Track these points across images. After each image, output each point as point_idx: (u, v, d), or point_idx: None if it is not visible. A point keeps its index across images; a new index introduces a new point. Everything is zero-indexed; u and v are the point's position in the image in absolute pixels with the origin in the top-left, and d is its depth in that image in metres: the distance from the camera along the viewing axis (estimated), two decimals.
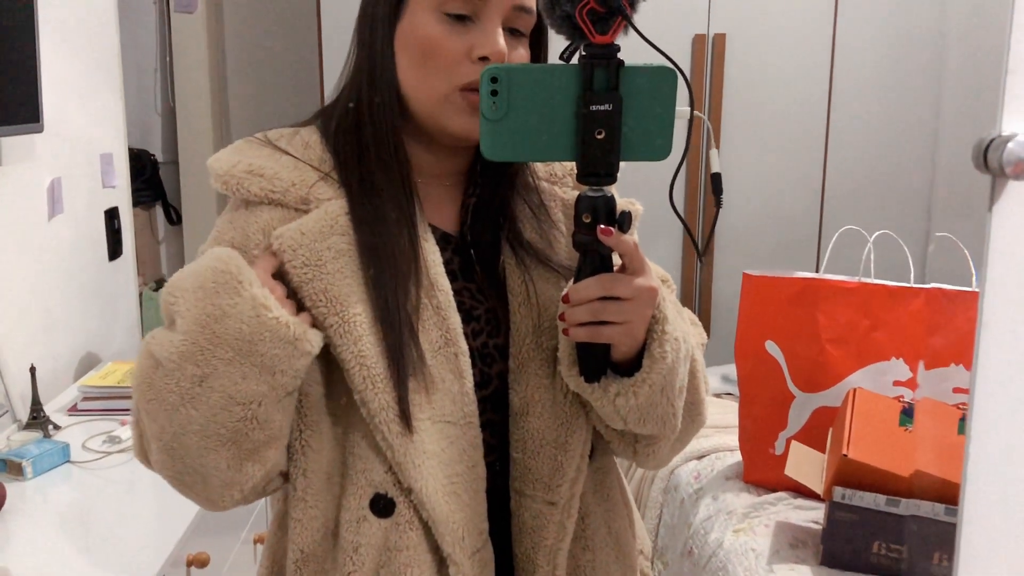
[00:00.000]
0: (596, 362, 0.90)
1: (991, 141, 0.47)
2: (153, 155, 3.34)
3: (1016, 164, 0.45)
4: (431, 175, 0.98)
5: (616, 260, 0.89)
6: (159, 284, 2.27)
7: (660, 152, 0.85)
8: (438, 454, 0.90)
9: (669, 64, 0.83)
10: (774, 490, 1.89)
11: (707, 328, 3.04)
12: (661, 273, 1.00)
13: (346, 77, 0.97)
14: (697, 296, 3.06)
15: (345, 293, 0.88)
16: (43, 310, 2.03)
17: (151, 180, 3.31)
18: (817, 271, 2.10)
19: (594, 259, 0.86)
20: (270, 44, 3.47)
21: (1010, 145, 0.45)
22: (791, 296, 1.87)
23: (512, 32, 0.92)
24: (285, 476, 0.92)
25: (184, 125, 3.34)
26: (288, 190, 0.91)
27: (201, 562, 1.47)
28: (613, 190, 0.87)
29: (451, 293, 0.93)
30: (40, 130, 1.87)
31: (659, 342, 0.89)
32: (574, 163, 0.84)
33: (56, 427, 1.80)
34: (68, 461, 1.67)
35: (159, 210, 3.42)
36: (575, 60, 0.83)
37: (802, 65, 2.95)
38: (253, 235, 0.91)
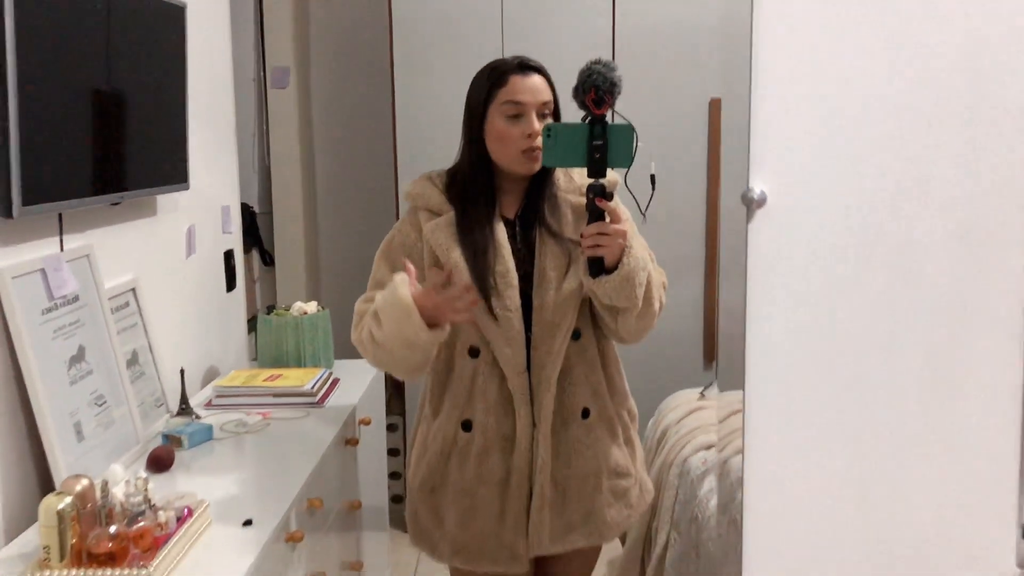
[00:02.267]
0: (596, 266, 1.76)
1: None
2: (252, 207, 3.90)
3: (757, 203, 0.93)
4: (504, 192, 1.91)
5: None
6: (270, 310, 2.80)
7: (626, 163, 1.73)
8: (503, 326, 1.83)
9: (631, 124, 1.74)
10: None
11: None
12: (645, 245, 1.85)
13: (460, 150, 1.93)
14: (718, 324, 3.51)
15: (453, 248, 1.84)
16: (182, 329, 2.57)
17: (250, 228, 3.87)
18: None
19: (596, 215, 1.72)
20: (350, 114, 4.07)
21: (753, 195, 0.93)
22: None
23: (542, 116, 1.85)
24: None
25: (277, 181, 3.91)
26: (433, 204, 1.90)
27: (317, 504, 1.96)
28: (604, 181, 1.72)
29: (509, 249, 1.86)
30: (187, 188, 2.43)
31: (626, 256, 1.74)
32: (580, 180, 1.86)
33: (198, 416, 2.32)
34: (212, 438, 2.19)
35: (255, 254, 3.98)
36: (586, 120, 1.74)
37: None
38: (415, 225, 1.91)
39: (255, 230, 3.93)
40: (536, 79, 1.85)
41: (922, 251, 1.16)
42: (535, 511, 1.87)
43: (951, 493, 1.23)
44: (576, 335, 1.88)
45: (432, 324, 1.72)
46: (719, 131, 3.40)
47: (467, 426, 1.88)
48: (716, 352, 3.53)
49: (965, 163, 1.15)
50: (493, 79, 1.85)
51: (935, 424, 1.21)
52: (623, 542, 3.02)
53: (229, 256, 2.98)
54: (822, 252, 1.16)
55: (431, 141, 3.39)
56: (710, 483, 2.37)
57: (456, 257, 1.83)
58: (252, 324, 3.23)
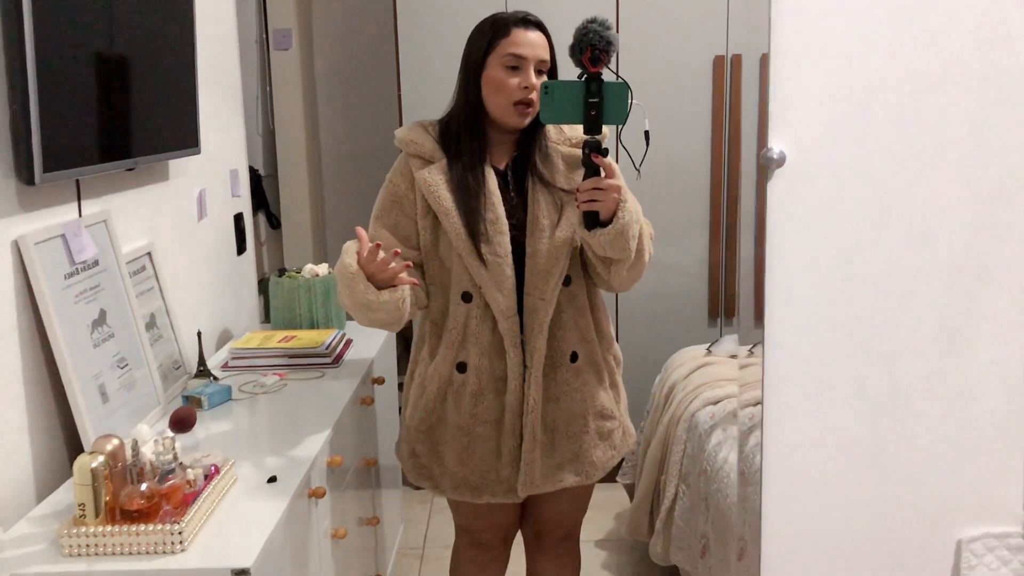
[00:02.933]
0: (592, 219, 1.82)
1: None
2: (257, 169, 3.92)
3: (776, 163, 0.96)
4: (495, 143, 1.97)
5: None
6: (281, 272, 2.83)
7: (620, 120, 1.78)
8: (492, 272, 1.90)
9: (625, 80, 1.77)
10: None
11: (732, 305, 3.53)
12: (639, 209, 1.88)
13: (454, 98, 1.98)
14: (723, 278, 3.55)
15: (444, 196, 1.90)
16: (196, 292, 2.60)
17: (255, 191, 3.88)
18: None
19: (592, 170, 1.78)
20: (353, 75, 4.06)
21: (772, 155, 0.96)
22: None
23: (538, 72, 1.90)
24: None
25: (282, 144, 3.93)
26: (425, 151, 1.95)
27: (338, 462, 2.01)
28: (600, 137, 1.78)
29: (500, 197, 1.92)
30: (198, 153, 2.45)
31: (621, 210, 1.79)
32: (571, 132, 1.95)
33: (215, 378, 2.36)
34: (230, 399, 2.23)
35: (262, 216, 4.01)
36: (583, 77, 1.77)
37: None
38: (405, 175, 1.96)
39: (260, 193, 3.95)
40: (537, 35, 1.90)
41: (937, 212, 1.19)
42: (526, 451, 1.96)
43: (962, 449, 1.28)
44: (567, 281, 1.95)
45: (383, 286, 1.84)
46: (723, 89, 3.41)
47: (462, 368, 1.96)
48: (721, 309, 3.57)
49: (979, 127, 1.17)
50: (496, 28, 1.90)
51: (948, 382, 1.25)
52: (631, 496, 3.08)
53: (239, 219, 3.00)
54: (840, 212, 1.19)
55: (436, 101, 3.37)
56: (718, 437, 2.42)
57: (447, 203, 1.89)
58: (261, 287, 3.26)
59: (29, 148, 1.67)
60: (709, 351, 3.02)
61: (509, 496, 2.01)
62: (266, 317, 3.27)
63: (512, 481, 1.99)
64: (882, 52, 1.19)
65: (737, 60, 3.39)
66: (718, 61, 3.40)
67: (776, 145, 1.11)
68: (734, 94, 3.42)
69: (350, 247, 1.88)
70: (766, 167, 1.05)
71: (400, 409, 2.15)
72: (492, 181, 1.93)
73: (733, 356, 2.96)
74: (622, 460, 3.13)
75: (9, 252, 1.71)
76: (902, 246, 1.21)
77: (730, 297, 3.55)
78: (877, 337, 1.24)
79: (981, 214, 1.20)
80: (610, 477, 3.29)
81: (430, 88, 3.45)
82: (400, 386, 3.58)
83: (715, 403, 2.61)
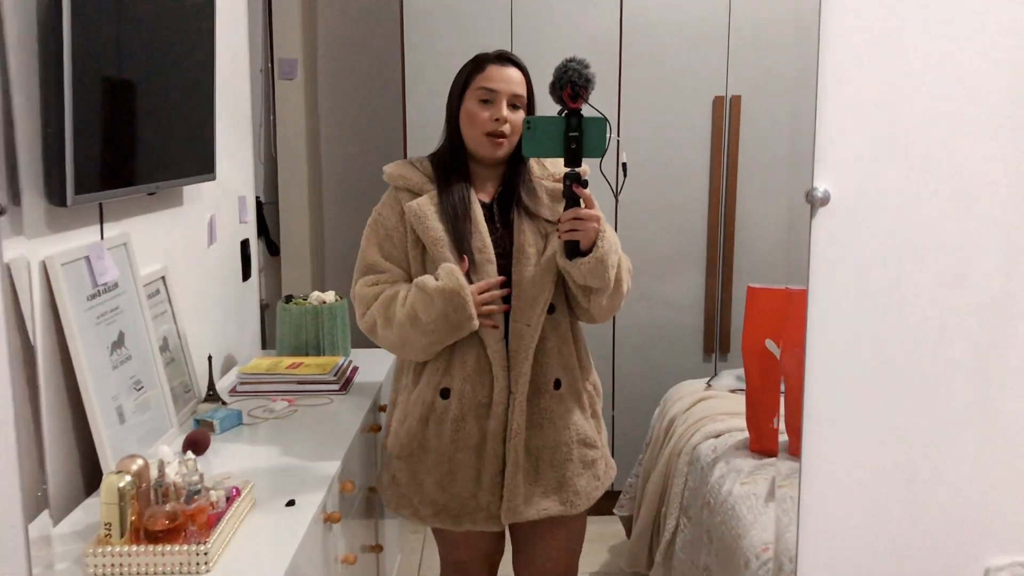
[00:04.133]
0: (572, 249, 1.91)
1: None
2: (258, 196, 3.94)
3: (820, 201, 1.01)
4: (480, 177, 2.06)
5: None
6: (288, 299, 2.85)
7: (599, 153, 1.87)
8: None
9: (605, 117, 1.88)
10: (773, 455, 2.42)
11: (727, 341, 3.59)
12: (617, 241, 1.99)
13: (442, 135, 2.09)
14: (719, 314, 3.61)
15: (434, 227, 1.97)
16: (204, 316, 2.62)
17: (255, 217, 3.91)
18: None
19: (573, 202, 1.88)
20: (356, 106, 4.11)
21: (817, 194, 1.01)
22: (784, 303, 2.41)
23: (513, 106, 2.00)
24: None
25: (284, 172, 3.96)
26: (413, 184, 2.03)
27: (349, 487, 2.03)
28: (580, 170, 1.89)
29: (486, 226, 1.99)
30: (213, 179, 2.48)
31: (600, 240, 1.89)
32: (553, 168, 2.02)
33: (224, 402, 2.38)
34: (241, 423, 2.24)
35: (261, 243, 4.02)
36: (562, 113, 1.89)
37: (809, 120, 3.50)
38: (394, 208, 2.03)
39: (261, 219, 3.97)
40: (512, 71, 2.01)
41: (971, 253, 1.25)
42: (509, 476, 2.00)
43: (992, 481, 1.33)
44: (551, 309, 2.02)
45: None
46: (722, 129, 3.48)
47: (445, 394, 2.01)
48: (716, 344, 3.62)
49: (1014, 172, 1.24)
50: (474, 66, 2.03)
51: (979, 414, 1.31)
52: (627, 529, 3.10)
53: (245, 245, 3.02)
54: (879, 250, 1.25)
55: (440, 133, 3.44)
56: (721, 469, 2.45)
57: (436, 232, 1.96)
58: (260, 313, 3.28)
59: (62, 171, 1.69)
60: (709, 385, 3.06)
61: (490, 524, 2.04)
62: (263, 343, 3.28)
63: (493, 508, 2.02)
64: (922, 97, 1.25)
65: (736, 100, 3.47)
66: (718, 101, 3.48)
67: (821, 184, 1.16)
68: (732, 134, 3.49)
69: (454, 269, 1.93)
70: (811, 205, 1.10)
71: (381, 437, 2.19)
72: (477, 211, 2.01)
73: (733, 391, 3.00)
74: (618, 493, 3.18)
75: (38, 272, 1.73)
76: (938, 284, 1.26)
77: (725, 333, 3.60)
78: (913, 369, 1.30)
79: (1012, 255, 1.26)
80: (605, 510, 3.32)
81: (435, 121, 3.49)
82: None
83: (716, 436, 2.64)
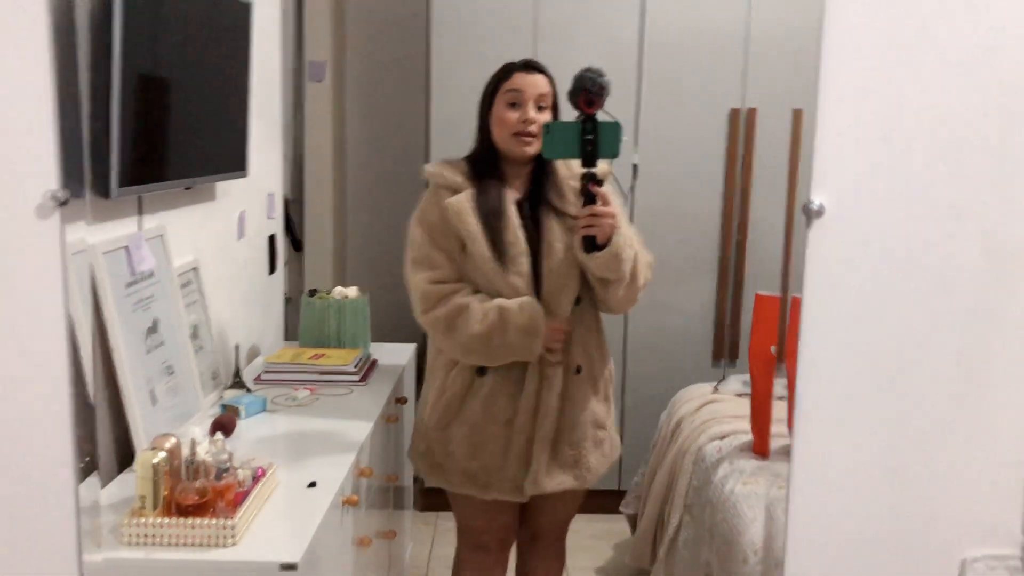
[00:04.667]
0: (589, 243, 2.05)
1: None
2: (284, 193, 4.05)
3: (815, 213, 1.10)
4: (511, 176, 2.20)
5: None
6: (312, 293, 2.95)
7: (613, 154, 2.05)
8: (516, 288, 2.10)
9: (618, 121, 2.06)
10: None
11: (736, 347, 3.67)
12: (633, 231, 2.17)
13: (475, 137, 2.23)
14: (728, 321, 3.69)
15: (471, 222, 2.11)
16: (232, 307, 2.73)
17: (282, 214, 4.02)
18: None
19: (590, 200, 2.03)
20: (383, 108, 4.22)
21: (813, 207, 1.10)
22: (790, 310, 2.49)
23: (539, 108, 2.14)
24: None
25: (310, 170, 4.06)
26: (452, 183, 2.17)
27: (368, 473, 2.13)
28: (596, 170, 2.05)
29: (518, 220, 2.13)
30: (245, 176, 2.59)
31: (615, 235, 2.04)
32: (578, 168, 2.07)
33: (249, 389, 2.48)
34: (265, 410, 2.35)
35: (286, 239, 4.13)
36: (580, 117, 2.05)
37: None
38: (436, 205, 2.16)
39: (285, 216, 4.07)
40: (538, 76, 2.16)
41: (958, 264, 1.36)
42: (536, 451, 2.16)
43: (971, 477, 1.44)
44: (577, 300, 2.17)
45: None
46: (737, 140, 3.56)
47: (482, 371, 2.18)
48: (725, 351, 3.70)
49: (1000, 187, 1.34)
50: (501, 74, 2.19)
51: (960, 417, 1.43)
52: (632, 526, 3.19)
53: (272, 240, 3.13)
54: (870, 260, 1.36)
55: (462, 136, 3.54)
56: (724, 469, 2.54)
57: (473, 227, 2.11)
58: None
59: (107, 164, 1.80)
60: (716, 389, 3.15)
61: (515, 495, 2.19)
62: (286, 335, 3.39)
63: (519, 479, 2.18)
64: (913, 118, 1.35)
65: (752, 113, 3.55)
66: (734, 113, 3.56)
67: (817, 198, 1.26)
68: (747, 145, 3.57)
69: (537, 310, 2.09)
70: (807, 217, 1.21)
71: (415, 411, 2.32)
72: (511, 207, 2.15)
73: (739, 395, 3.08)
74: (624, 492, 3.27)
75: (83, 260, 1.84)
76: (926, 293, 1.37)
77: (734, 340, 3.68)
78: (901, 372, 1.40)
79: (994, 269, 1.37)
80: (611, 508, 3.40)
81: (458, 125, 3.59)
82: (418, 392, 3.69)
83: (722, 438, 2.73)
